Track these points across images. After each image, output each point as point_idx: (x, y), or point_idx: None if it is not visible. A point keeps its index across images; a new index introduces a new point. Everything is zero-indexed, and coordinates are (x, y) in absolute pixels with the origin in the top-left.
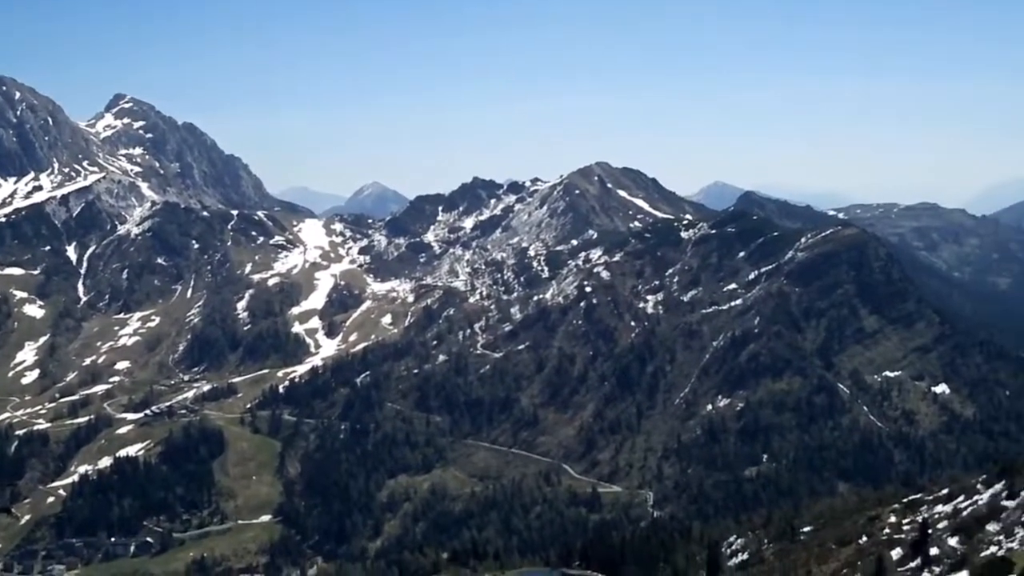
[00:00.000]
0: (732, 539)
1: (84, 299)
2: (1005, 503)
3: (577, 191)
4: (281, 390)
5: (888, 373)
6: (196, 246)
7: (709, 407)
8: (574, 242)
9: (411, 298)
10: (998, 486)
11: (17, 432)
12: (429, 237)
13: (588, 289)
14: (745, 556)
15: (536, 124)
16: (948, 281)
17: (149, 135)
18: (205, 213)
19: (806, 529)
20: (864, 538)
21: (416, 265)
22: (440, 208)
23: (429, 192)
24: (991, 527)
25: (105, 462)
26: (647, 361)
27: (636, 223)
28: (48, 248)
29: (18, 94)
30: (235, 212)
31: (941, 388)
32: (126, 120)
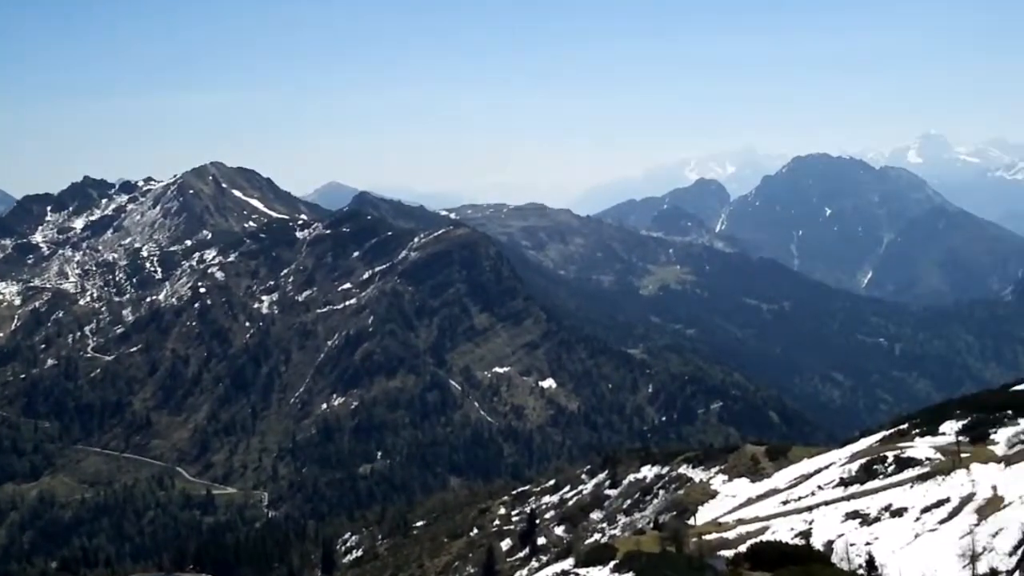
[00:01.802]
0: (347, 536)
1: None
2: (608, 492)
3: (191, 191)
4: None
5: (498, 369)
6: None
7: (324, 406)
8: (188, 242)
9: (18, 301)
10: (601, 476)
11: None
12: (37, 238)
13: (202, 290)
14: (359, 553)
15: (150, 123)
16: (555, 279)
17: None
18: None
19: (419, 524)
20: (475, 530)
21: (23, 267)
22: (49, 208)
23: (37, 191)
24: (595, 515)
25: None
26: (262, 362)
27: (251, 223)
28: None
29: None
30: None
31: (548, 383)
32: None
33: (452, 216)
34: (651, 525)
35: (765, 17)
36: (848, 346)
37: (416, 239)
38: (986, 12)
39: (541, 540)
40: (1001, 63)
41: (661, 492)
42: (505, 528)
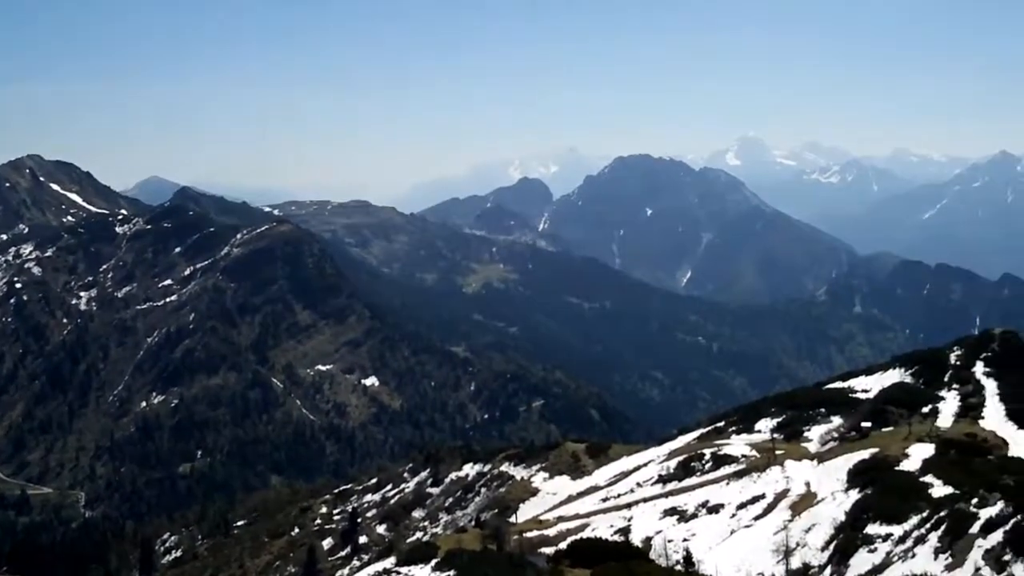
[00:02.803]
0: (166, 536)
1: None
2: (430, 490)
3: (7, 184)
4: None
5: (320, 367)
6: None
7: (143, 404)
8: (4, 237)
9: None
10: (423, 474)
11: None
12: None
13: (18, 285)
14: (179, 553)
15: None
16: (379, 277)
17: None
18: None
19: (240, 523)
20: (296, 529)
21: None
22: None
23: None
24: (417, 514)
25: None
26: (80, 359)
27: (69, 217)
28: None
29: None
30: None
31: (371, 380)
32: None
33: (275, 213)
34: (473, 523)
35: (581, 19)
36: (667, 344)
37: (239, 235)
38: (803, 22)
39: (363, 539)
40: (817, 70)
41: (483, 490)
42: (327, 527)
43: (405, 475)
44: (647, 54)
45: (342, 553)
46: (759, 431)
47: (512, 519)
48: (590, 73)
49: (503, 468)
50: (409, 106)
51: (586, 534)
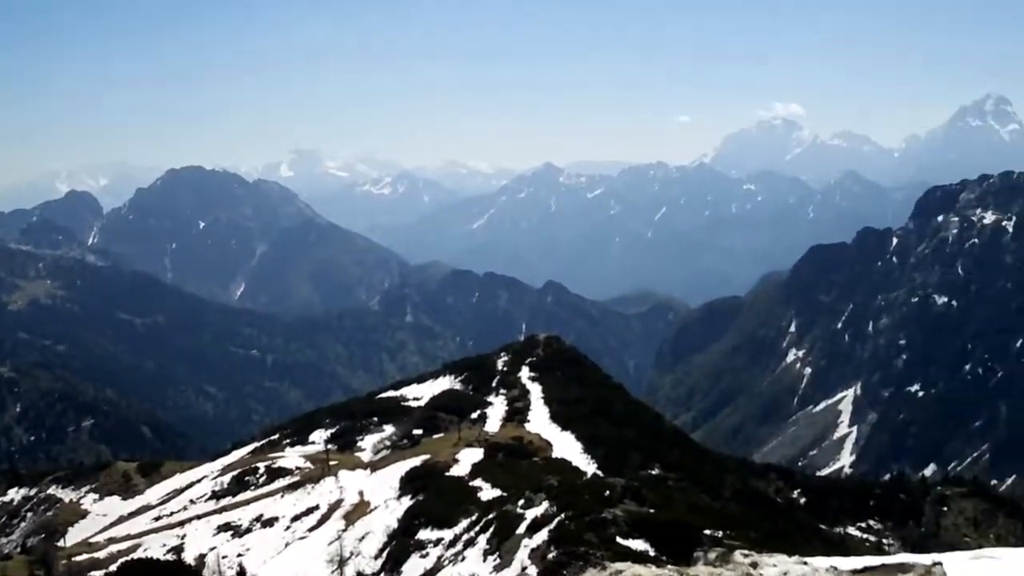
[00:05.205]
0: None
1: None
2: None
3: None
4: None
5: None
6: None
7: None
8: None
9: None
10: None
11: None
12: None
13: None
14: None
15: None
16: None
17: None
18: None
19: None
20: None
21: None
22: None
23: None
24: None
25: None
26: None
27: None
28: None
29: None
30: None
31: None
32: None
33: None
34: (19, 549)
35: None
36: (221, 358)
37: None
38: (343, 33)
39: None
40: (365, 79)
41: (29, 515)
42: None
43: None
44: (192, 61)
45: None
46: (313, 442)
47: (60, 543)
48: (143, 83)
49: (50, 491)
50: None
51: (138, 555)
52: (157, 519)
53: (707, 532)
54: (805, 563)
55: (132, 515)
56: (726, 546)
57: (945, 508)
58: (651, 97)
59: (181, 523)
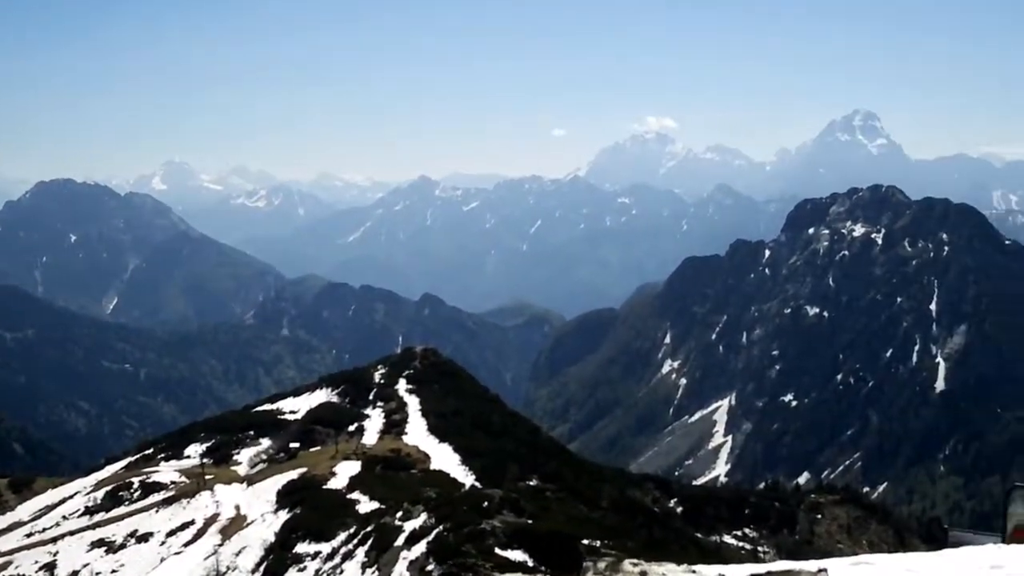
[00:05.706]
0: None
1: None
2: None
3: None
4: None
5: None
6: None
7: None
8: None
9: None
10: None
11: None
12: None
13: None
14: None
15: None
16: None
17: None
18: None
19: None
20: None
21: None
22: None
23: None
24: None
25: None
26: None
27: None
28: None
29: None
30: None
31: None
32: None
33: None
34: None
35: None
36: (94, 373)
37: None
38: (226, 46)
39: None
40: (240, 91)
41: None
42: None
43: None
44: (61, 72)
45: None
46: (189, 457)
47: None
48: (9, 94)
49: None
50: None
51: (9, 572)
52: (29, 535)
53: (585, 542)
54: (694, 571)
55: (3, 532)
56: (611, 556)
57: (819, 516)
58: (526, 110)
59: (54, 539)
